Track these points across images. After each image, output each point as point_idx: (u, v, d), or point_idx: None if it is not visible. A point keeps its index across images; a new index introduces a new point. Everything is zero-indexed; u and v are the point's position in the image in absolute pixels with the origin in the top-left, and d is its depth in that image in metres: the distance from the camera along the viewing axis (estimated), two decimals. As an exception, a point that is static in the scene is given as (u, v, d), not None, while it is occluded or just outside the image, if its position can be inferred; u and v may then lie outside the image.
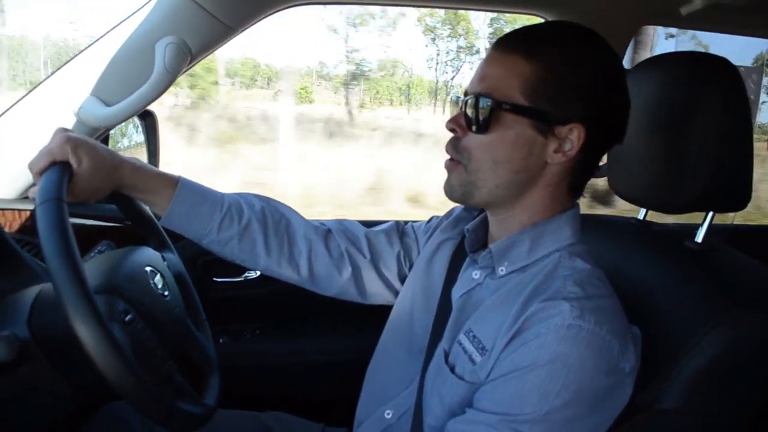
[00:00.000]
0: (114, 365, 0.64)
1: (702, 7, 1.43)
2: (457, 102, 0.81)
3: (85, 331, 0.62)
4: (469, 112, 0.77)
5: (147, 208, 0.98)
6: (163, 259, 0.99)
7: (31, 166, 0.79)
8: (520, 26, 0.82)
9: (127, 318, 0.77)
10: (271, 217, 0.97)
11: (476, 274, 0.86)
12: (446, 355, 0.82)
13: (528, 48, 0.76)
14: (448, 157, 0.82)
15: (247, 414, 1.15)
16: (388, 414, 0.90)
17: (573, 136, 0.76)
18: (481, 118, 0.76)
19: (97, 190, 0.83)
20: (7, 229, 1.22)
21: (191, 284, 1.05)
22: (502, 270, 0.82)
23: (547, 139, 0.76)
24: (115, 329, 0.73)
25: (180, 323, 0.93)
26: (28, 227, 1.24)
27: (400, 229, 1.05)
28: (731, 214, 0.95)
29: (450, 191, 0.82)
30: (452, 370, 0.79)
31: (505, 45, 0.78)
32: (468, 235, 0.89)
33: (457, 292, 0.87)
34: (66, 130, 0.82)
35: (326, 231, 1.02)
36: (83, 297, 0.63)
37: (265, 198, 1.01)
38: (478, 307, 0.82)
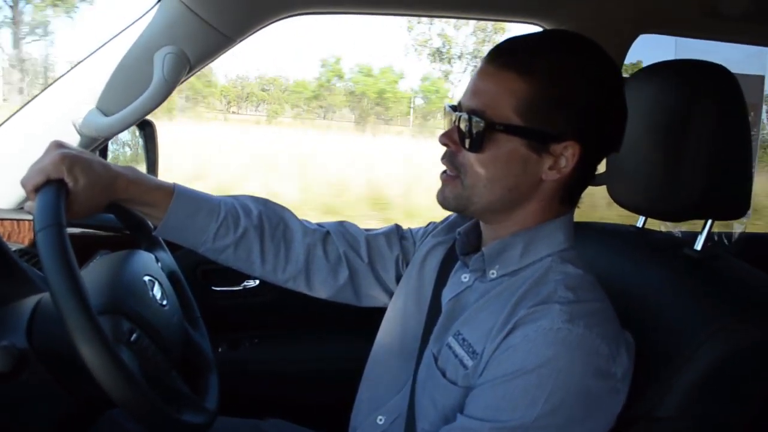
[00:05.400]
0: (124, 390, 0.64)
1: (701, 16, 1.44)
2: (450, 114, 0.81)
3: (94, 359, 0.63)
4: (463, 128, 0.77)
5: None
6: (157, 260, 0.99)
7: (24, 183, 0.78)
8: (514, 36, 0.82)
9: (133, 338, 0.77)
10: (268, 223, 0.97)
11: (465, 278, 0.86)
12: (435, 359, 0.82)
13: (522, 64, 0.75)
14: (443, 168, 0.82)
15: (247, 422, 1.14)
16: (381, 420, 0.90)
17: (568, 153, 0.76)
18: (474, 135, 0.75)
19: (94, 207, 0.83)
20: (5, 239, 1.22)
21: (184, 282, 1.05)
22: (493, 273, 0.82)
23: (542, 157, 0.76)
24: (123, 352, 0.73)
25: (179, 330, 0.93)
26: (27, 237, 1.24)
27: (399, 232, 1.05)
28: (743, 221, 0.95)
29: (444, 202, 0.82)
30: (444, 374, 0.79)
31: (499, 59, 0.77)
32: (459, 238, 0.89)
33: (446, 296, 0.87)
34: (61, 145, 0.81)
35: (324, 234, 1.01)
36: (90, 325, 0.63)
37: (263, 201, 1.00)
38: (466, 311, 0.82)
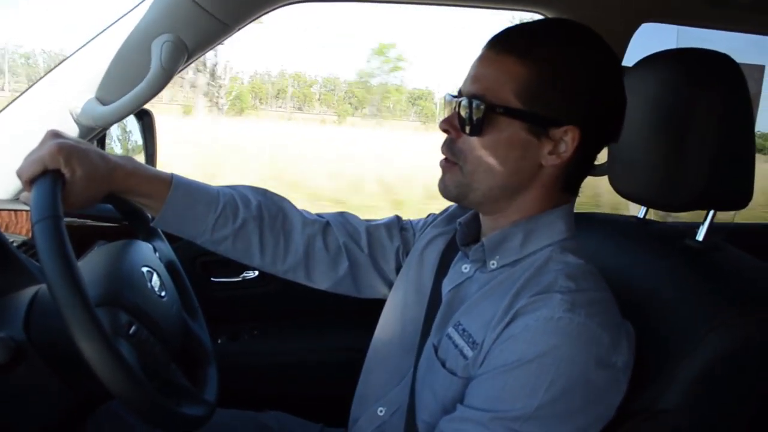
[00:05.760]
0: (123, 384, 0.64)
1: (704, 5, 1.43)
2: (450, 102, 0.80)
3: (93, 353, 0.62)
4: (463, 113, 0.77)
5: None
6: (154, 250, 0.99)
7: (20, 174, 0.76)
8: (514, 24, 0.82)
9: (131, 330, 0.76)
10: (267, 213, 0.96)
11: (466, 268, 0.85)
12: (435, 350, 0.82)
13: (522, 49, 0.75)
14: (443, 156, 0.82)
15: (246, 414, 1.14)
16: (381, 411, 0.90)
17: (567, 138, 0.75)
18: (474, 120, 0.75)
19: (91, 199, 0.82)
20: (3, 230, 1.22)
21: (182, 272, 1.05)
22: (493, 264, 0.81)
23: (541, 142, 0.76)
24: (122, 345, 0.72)
25: (178, 321, 0.92)
26: (25, 228, 1.24)
27: (400, 223, 1.05)
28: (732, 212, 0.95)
29: (445, 191, 0.82)
30: (443, 365, 0.79)
31: (499, 45, 0.77)
32: (460, 229, 0.89)
33: (446, 286, 0.87)
34: (57, 135, 0.79)
35: (324, 224, 1.01)
36: (89, 319, 0.63)
37: (262, 191, 1.00)
38: (466, 301, 0.82)
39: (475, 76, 0.78)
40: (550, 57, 0.74)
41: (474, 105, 0.75)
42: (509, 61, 0.75)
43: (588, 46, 0.77)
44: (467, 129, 0.77)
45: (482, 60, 0.78)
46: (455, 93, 0.81)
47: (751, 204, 0.89)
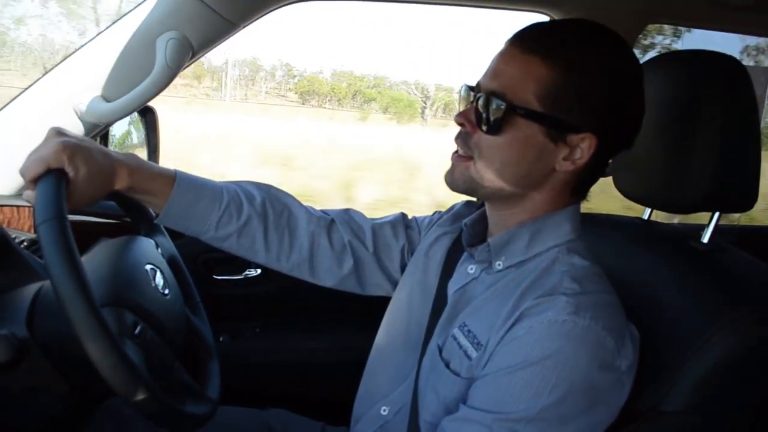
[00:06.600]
0: (130, 386, 0.64)
1: (709, 6, 1.43)
2: (467, 95, 0.79)
3: (99, 355, 0.62)
4: (481, 109, 0.75)
5: None
6: (157, 246, 0.98)
7: (23, 172, 0.75)
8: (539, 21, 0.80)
9: (137, 331, 0.76)
10: (272, 210, 0.96)
11: (471, 269, 0.85)
12: (440, 350, 0.81)
13: (548, 50, 0.73)
14: (455, 148, 0.81)
15: (247, 411, 1.14)
16: (384, 410, 0.89)
17: (584, 146, 0.74)
18: (492, 118, 0.74)
19: (94, 197, 0.80)
20: (5, 226, 1.21)
21: (184, 267, 1.05)
22: (499, 264, 0.81)
23: (558, 147, 0.75)
24: (128, 347, 0.72)
25: (181, 319, 0.92)
26: (27, 224, 1.24)
27: (405, 221, 1.04)
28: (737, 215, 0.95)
29: (453, 183, 0.81)
30: (447, 365, 0.79)
31: (524, 42, 0.75)
32: (466, 229, 0.88)
33: (452, 287, 0.87)
34: (60, 133, 0.78)
35: (329, 222, 1.00)
36: (95, 321, 0.63)
37: (267, 187, 0.99)
38: (472, 302, 0.81)
39: (496, 72, 0.76)
40: (575, 62, 0.73)
41: (493, 103, 0.74)
42: (533, 60, 0.73)
43: (614, 52, 0.75)
44: (484, 127, 0.75)
45: (504, 56, 0.76)
46: (472, 85, 0.79)
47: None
